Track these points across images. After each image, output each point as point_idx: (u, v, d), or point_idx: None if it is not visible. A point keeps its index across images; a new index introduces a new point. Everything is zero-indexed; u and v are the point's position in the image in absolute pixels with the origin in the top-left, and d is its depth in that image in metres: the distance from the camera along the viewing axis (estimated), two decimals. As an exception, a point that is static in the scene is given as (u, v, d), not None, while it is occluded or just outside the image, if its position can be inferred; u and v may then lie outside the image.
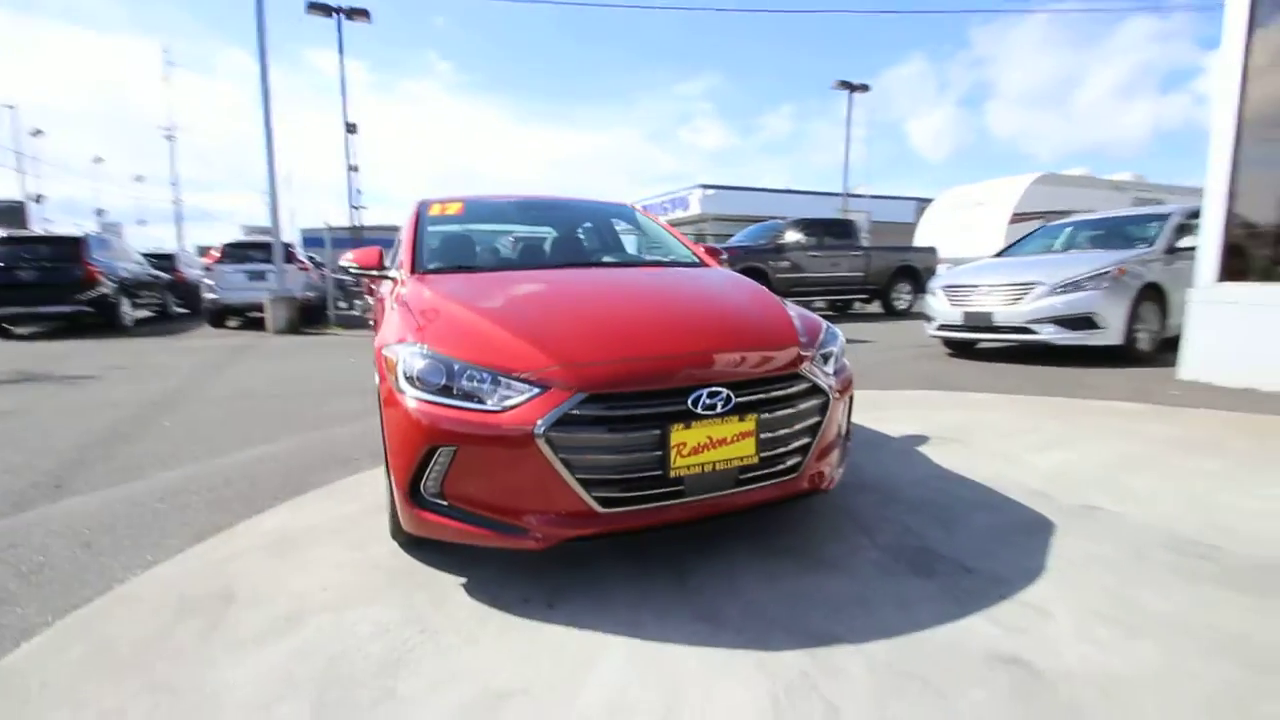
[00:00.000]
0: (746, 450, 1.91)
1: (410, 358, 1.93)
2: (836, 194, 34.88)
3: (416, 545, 2.21)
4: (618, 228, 3.48)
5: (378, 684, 1.53)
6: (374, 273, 2.89)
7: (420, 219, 3.08)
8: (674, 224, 32.29)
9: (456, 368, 1.86)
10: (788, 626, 1.73)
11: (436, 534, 1.92)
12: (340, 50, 14.58)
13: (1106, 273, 5.63)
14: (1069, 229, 7.70)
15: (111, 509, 2.71)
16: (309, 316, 10.74)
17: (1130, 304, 5.64)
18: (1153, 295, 5.82)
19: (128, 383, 5.94)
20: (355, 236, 15.49)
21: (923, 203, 35.31)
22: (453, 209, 3.23)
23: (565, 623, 1.78)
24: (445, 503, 1.85)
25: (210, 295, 10.47)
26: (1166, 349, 6.01)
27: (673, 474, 1.81)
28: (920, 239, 16.09)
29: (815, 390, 2.06)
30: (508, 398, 1.79)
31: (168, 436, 3.88)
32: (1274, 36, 4.52)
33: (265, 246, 10.90)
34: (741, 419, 1.88)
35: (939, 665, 1.55)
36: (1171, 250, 6.07)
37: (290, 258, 10.45)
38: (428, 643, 1.70)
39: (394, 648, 1.68)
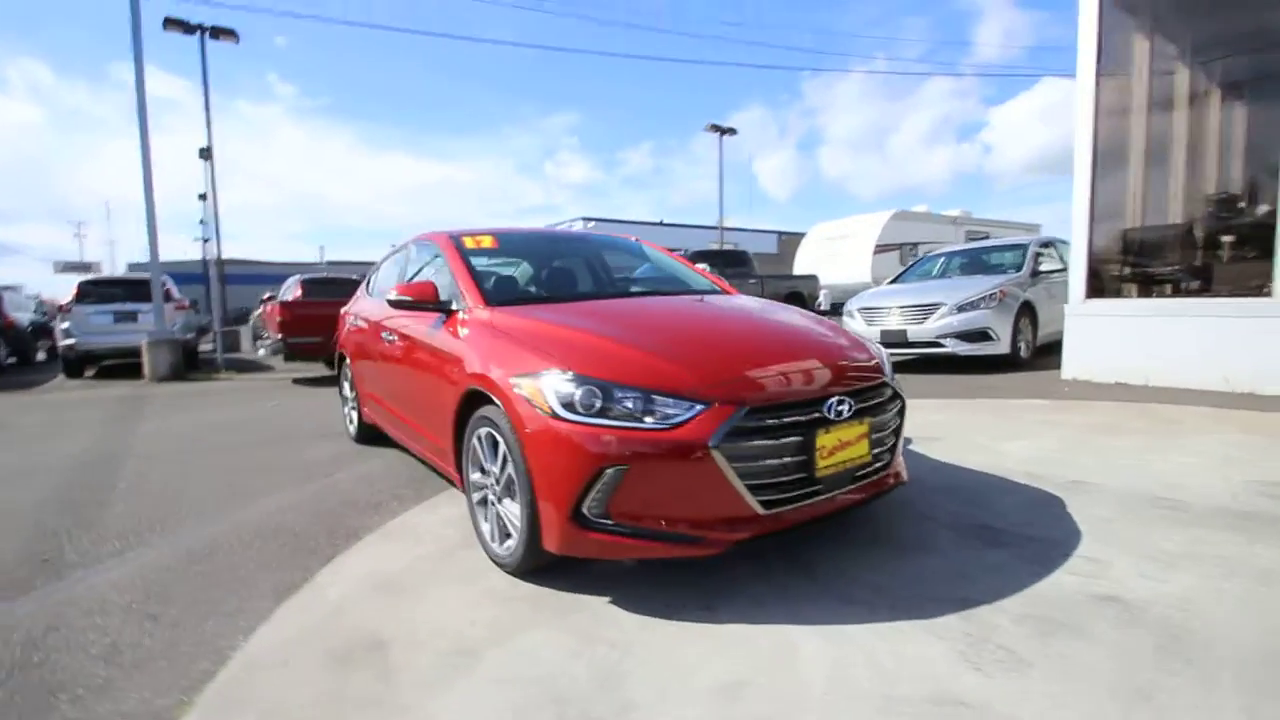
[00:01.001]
0: (863, 450, 2.18)
1: (561, 384, 2.00)
2: (708, 227, 37.09)
3: (534, 573, 2.23)
4: (634, 258, 3.69)
5: (610, 697, 1.59)
6: (430, 306, 2.84)
7: (461, 251, 3.08)
8: (558, 257, 32.38)
9: (615, 391, 1.96)
10: (925, 598, 2.00)
11: (603, 553, 1.99)
12: (204, 72, 13.37)
13: (994, 294, 6.68)
14: (943, 258, 8.95)
15: (146, 578, 2.41)
16: (189, 361, 9.60)
17: (1013, 319, 6.73)
18: (1027, 312, 6.97)
19: (33, 442, 5.07)
20: (219, 272, 14.06)
21: (782, 235, 38.75)
22: (486, 242, 3.25)
23: (735, 620, 1.92)
24: (611, 521, 1.93)
25: (67, 341, 9.00)
26: (1039, 355, 7.22)
27: (817, 474, 2.04)
28: (799, 268, 17.67)
29: (897, 396, 2.39)
30: (672, 415, 1.92)
31: (138, 497, 3.42)
32: (1118, 123, 5.75)
33: (131, 284, 9.62)
34: (860, 422, 2.16)
35: (1061, 610, 1.89)
36: (1035, 274, 7.32)
37: (167, 295, 9.31)
38: (626, 655, 1.77)
39: (598, 664, 1.73)
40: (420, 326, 3.01)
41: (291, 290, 9.81)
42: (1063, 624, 1.82)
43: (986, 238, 19.56)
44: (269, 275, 25.50)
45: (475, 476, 2.49)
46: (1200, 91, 6.71)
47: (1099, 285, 5.82)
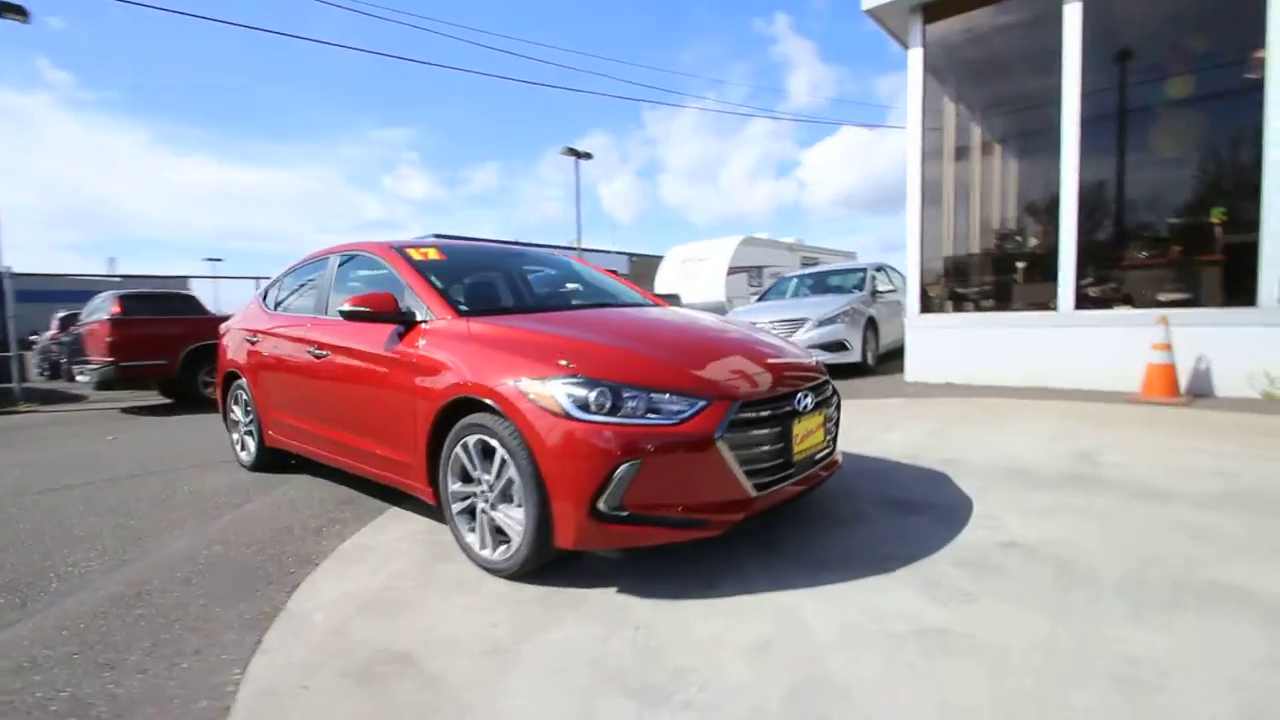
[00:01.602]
0: (820, 437, 2.55)
1: (573, 387, 2.12)
2: (565, 247, 37.69)
3: (530, 576, 2.30)
4: (569, 273, 3.82)
5: (659, 666, 1.74)
6: (389, 318, 2.74)
7: (413, 264, 3.02)
8: (407, 273, 30.80)
9: (623, 392, 2.12)
10: (882, 556, 2.38)
11: (617, 543, 2.13)
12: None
13: (847, 310, 7.67)
14: (795, 280, 10.04)
15: (74, 629, 2.09)
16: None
17: (862, 331, 7.76)
18: (871, 325, 8.07)
19: None
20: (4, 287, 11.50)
21: (633, 257, 40.31)
22: (432, 254, 3.19)
23: (737, 594, 2.15)
24: (625, 513, 2.08)
25: None
26: (881, 362, 8.37)
27: (794, 459, 2.35)
28: (660, 287, 18.54)
29: (834, 391, 2.80)
30: (678, 412, 2.12)
31: (12, 546, 2.85)
32: (934, 169, 6.94)
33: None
34: (819, 413, 2.52)
35: (981, 555, 2.36)
36: (875, 294, 8.50)
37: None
38: (654, 633, 1.92)
39: (633, 643, 1.87)
40: (369, 339, 2.89)
41: (107, 307, 8.46)
42: (986, 565, 2.28)
43: (817, 262, 22.02)
44: (52, 292, 21.41)
45: (456, 487, 2.49)
46: (986, 144, 8.31)
47: (928, 303, 6.95)
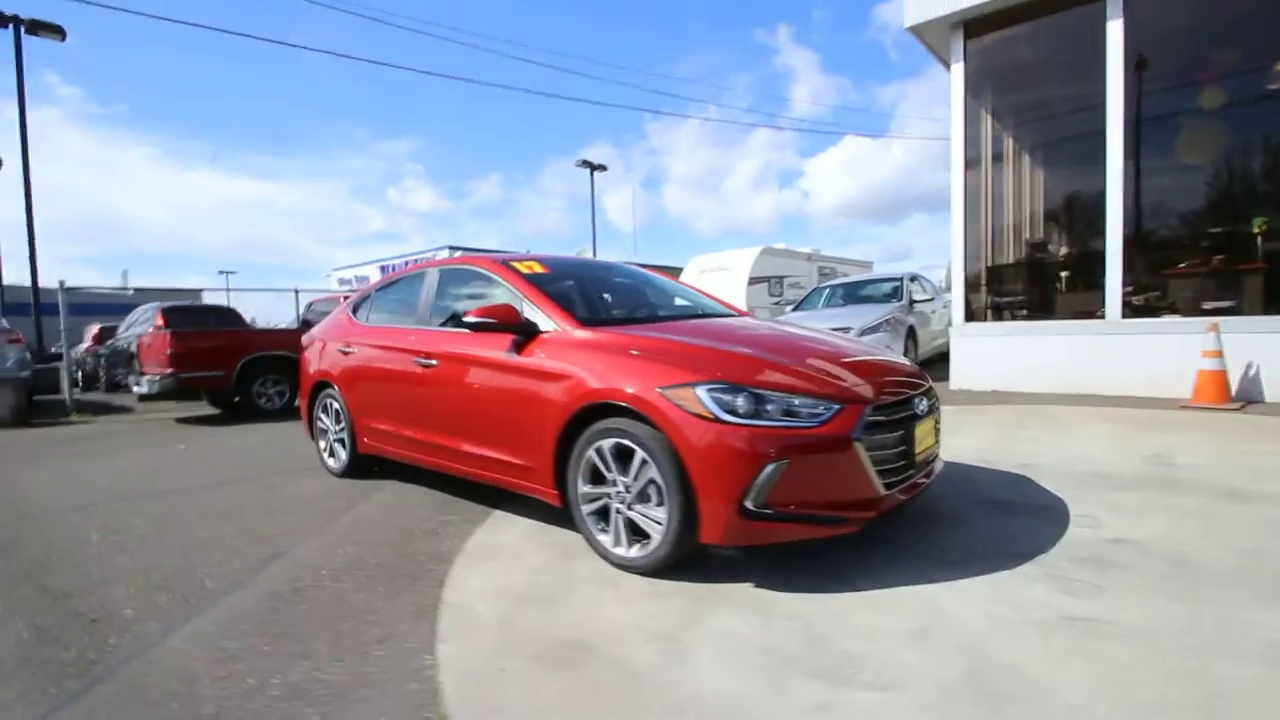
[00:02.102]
0: (933, 440, 2.68)
1: (719, 392, 2.26)
2: (562, 256, 37.89)
3: (662, 573, 2.42)
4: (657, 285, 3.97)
5: (828, 650, 1.86)
6: (510, 328, 2.90)
7: (525, 276, 3.18)
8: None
9: (766, 396, 2.26)
10: (1000, 553, 2.49)
11: (761, 540, 2.25)
12: (19, 71, 11.38)
13: (889, 319, 7.81)
14: (827, 291, 10.18)
15: (246, 626, 2.22)
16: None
17: (904, 340, 7.90)
18: (910, 334, 8.21)
19: None
20: (63, 299, 11.80)
21: (644, 268, 40.64)
22: (537, 267, 3.35)
23: (875, 588, 2.26)
24: (771, 510, 2.21)
25: None
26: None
27: (915, 460, 2.48)
28: (678, 298, 18.72)
29: (937, 398, 2.93)
30: (815, 415, 2.25)
31: (143, 550, 2.98)
32: (975, 179, 7.10)
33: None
34: (931, 417, 2.65)
35: (1096, 552, 2.48)
36: (912, 303, 8.64)
37: (-7, 327, 7.73)
38: (811, 623, 2.04)
39: (794, 632, 1.99)
40: (486, 348, 3.04)
41: (152, 320, 8.68)
42: (1104, 561, 2.40)
43: (834, 272, 22.16)
44: (75, 306, 21.68)
45: (587, 489, 2.62)
46: (1019, 154, 8.46)
47: (972, 312, 7.09)
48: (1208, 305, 6.09)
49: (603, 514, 2.61)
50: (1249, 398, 5.43)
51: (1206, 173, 6.80)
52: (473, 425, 3.12)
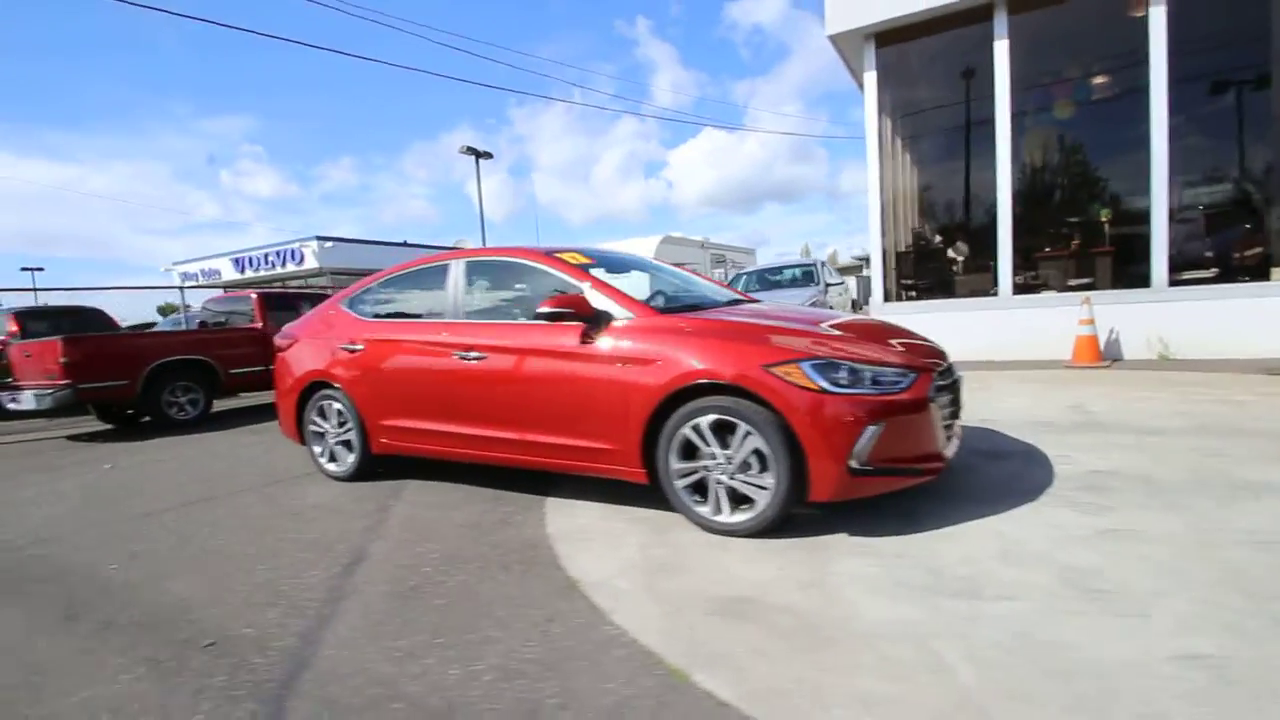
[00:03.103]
0: (960, 403, 3.15)
1: (821, 366, 2.55)
2: (446, 247, 36.53)
3: (762, 534, 2.68)
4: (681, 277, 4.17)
5: (946, 573, 2.23)
6: (583, 318, 2.97)
7: (577, 267, 3.25)
8: (288, 278, 28.51)
9: (857, 368, 2.58)
10: (1016, 490, 3.02)
11: (863, 493, 2.58)
12: None
13: (813, 303, 8.53)
14: (745, 276, 10.86)
15: (398, 623, 2.18)
16: None
17: (826, 320, 8.68)
18: (829, 314, 9.01)
19: None
20: None
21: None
22: (584, 259, 3.42)
23: (940, 525, 2.67)
24: (871, 467, 2.54)
25: None
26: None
27: (957, 421, 2.93)
28: (580, 286, 18.84)
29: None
30: (898, 382, 2.62)
31: (204, 559, 2.70)
32: (888, 186, 7.93)
33: None
34: (959, 383, 3.12)
35: (1090, 481, 3.08)
36: (827, 287, 9.47)
37: None
38: (916, 561, 2.40)
39: (906, 566, 2.34)
40: (552, 339, 3.09)
41: (3, 326, 7.42)
42: (1097, 487, 3.00)
43: (724, 259, 23.34)
44: None
45: (680, 465, 2.81)
46: (913, 153, 9.54)
47: (888, 292, 7.97)
48: (1072, 283, 7.35)
49: (696, 487, 2.81)
50: (1114, 356, 6.67)
51: (1064, 169, 8.12)
52: (538, 415, 3.17)
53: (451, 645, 2.03)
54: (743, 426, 2.63)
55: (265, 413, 7.85)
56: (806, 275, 9.78)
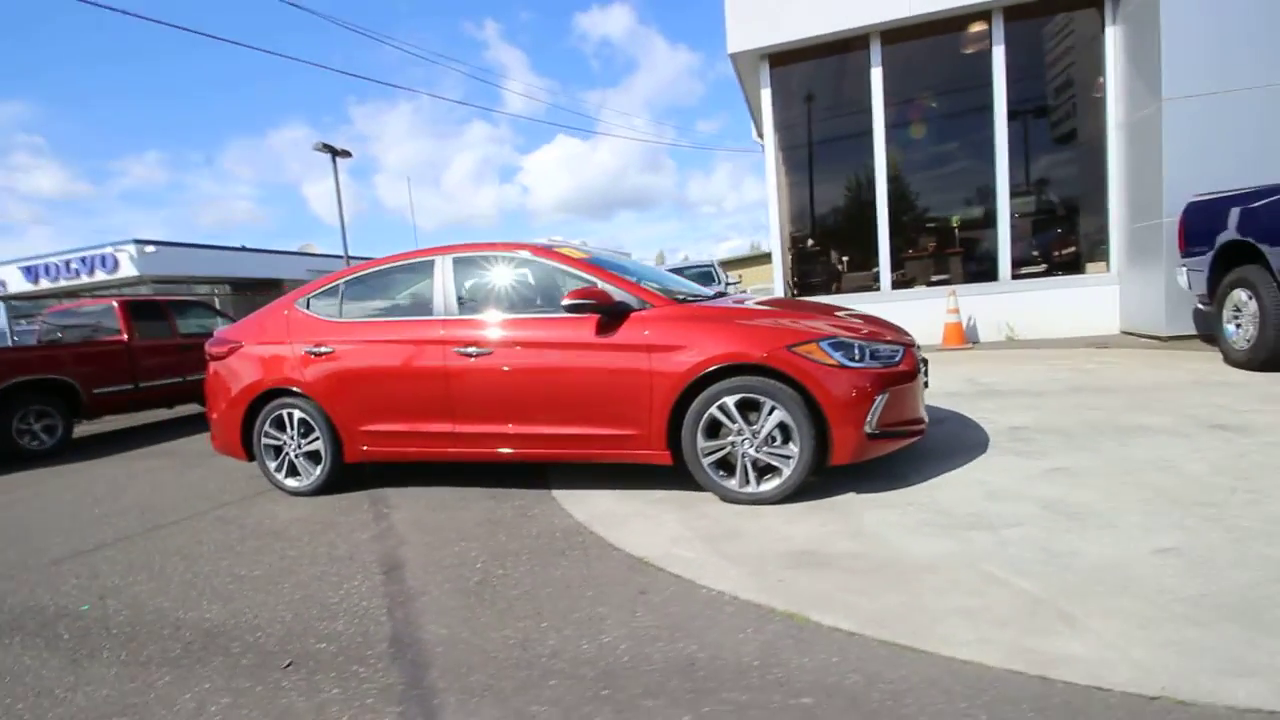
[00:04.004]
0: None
1: (838, 345, 2.88)
2: (293, 252, 33.49)
3: (786, 500, 2.97)
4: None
5: (958, 511, 2.65)
6: (606, 309, 3.05)
7: (584, 261, 3.32)
8: (97, 288, 24.72)
9: (864, 345, 2.95)
10: (964, 446, 3.58)
11: (876, 453, 2.95)
12: None
13: (719, 298, 9.09)
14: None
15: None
16: None
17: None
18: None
19: None
20: None
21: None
22: (581, 254, 3.47)
23: (922, 479, 3.13)
24: (879, 431, 2.91)
25: None
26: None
27: (929, 387, 3.42)
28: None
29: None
30: (893, 356, 3.02)
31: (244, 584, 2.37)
32: (792, 210, 8.65)
33: None
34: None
35: (1017, 434, 3.72)
36: (727, 285, 10.10)
37: None
38: (923, 507, 2.81)
39: (927, 510, 2.74)
40: (568, 331, 3.15)
41: None
42: (1025, 439, 3.64)
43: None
44: None
45: (706, 444, 3.00)
46: (813, 164, 10.46)
47: (788, 286, 8.71)
48: (933, 279, 8.53)
49: (720, 463, 3.03)
50: (973, 339, 7.86)
51: (918, 181, 9.37)
52: (556, 407, 3.20)
53: (563, 625, 2.07)
54: (768, 402, 2.89)
55: (142, 436, 6.83)
56: (705, 276, 10.38)
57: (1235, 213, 4.96)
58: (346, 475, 3.78)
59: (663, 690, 1.69)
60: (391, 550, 2.84)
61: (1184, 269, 5.62)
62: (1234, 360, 5.00)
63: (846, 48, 7.92)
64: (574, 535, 2.84)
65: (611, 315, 3.13)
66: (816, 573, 2.28)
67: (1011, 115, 7.58)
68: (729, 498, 3.02)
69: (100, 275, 24.20)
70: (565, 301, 3.05)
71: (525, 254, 3.45)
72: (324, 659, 1.99)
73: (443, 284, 3.51)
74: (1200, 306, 5.64)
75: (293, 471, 3.77)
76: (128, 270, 24.26)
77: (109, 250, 24.15)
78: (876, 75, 7.83)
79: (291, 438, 3.72)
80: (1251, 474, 2.80)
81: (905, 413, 3.04)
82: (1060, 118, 8.06)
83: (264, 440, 3.78)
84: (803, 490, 3.01)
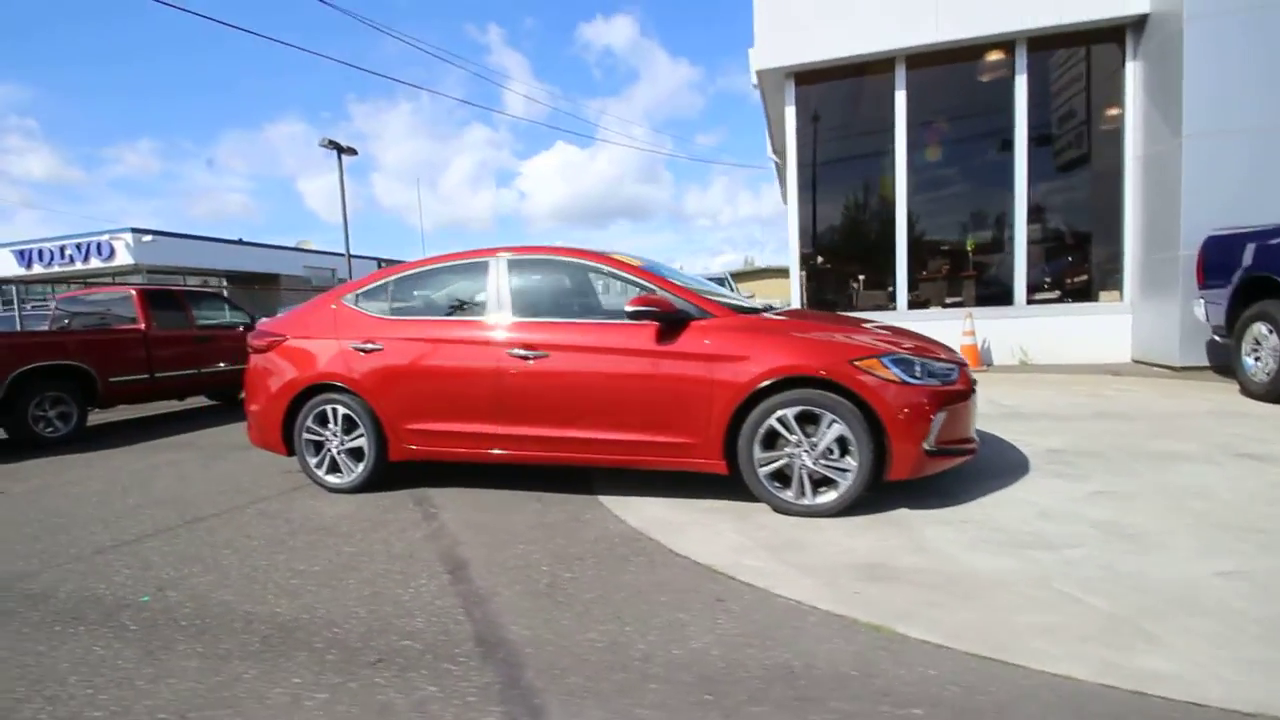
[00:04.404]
0: (961, 393, 3.72)
1: (899, 362, 2.92)
2: (290, 248, 33.34)
3: (843, 513, 3.00)
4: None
5: (1021, 534, 2.70)
6: (669, 317, 3.08)
7: (642, 269, 3.36)
8: (91, 275, 24.47)
9: (925, 363, 2.99)
10: (1004, 468, 3.63)
11: (932, 470, 2.99)
12: None
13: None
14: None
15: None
16: None
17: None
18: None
19: None
20: None
21: (382, 263, 37.58)
22: (638, 261, 3.51)
23: (975, 497, 3.18)
24: (936, 449, 2.95)
25: None
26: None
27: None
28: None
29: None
30: (949, 374, 3.07)
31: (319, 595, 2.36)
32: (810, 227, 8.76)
33: None
34: (962, 377, 3.69)
35: (1055, 457, 3.78)
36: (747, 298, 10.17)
37: None
38: (981, 525, 2.86)
39: (984, 528, 2.78)
40: (629, 338, 3.17)
41: None
42: (1063, 462, 3.70)
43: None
44: None
45: (762, 455, 3.03)
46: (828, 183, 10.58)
47: (804, 303, 8.79)
48: (947, 300, 8.64)
49: (776, 475, 3.05)
50: (987, 361, 7.97)
51: (938, 202, 9.51)
52: (614, 412, 3.22)
53: (646, 630, 2.08)
54: (827, 415, 2.93)
55: (155, 429, 6.76)
56: (719, 285, 10.46)
57: (1257, 248, 5.09)
58: (386, 474, 3.77)
59: (766, 697, 1.71)
60: (450, 550, 2.84)
61: (1202, 301, 5.74)
62: (1252, 392, 5.11)
63: (870, 70, 8.06)
64: (633, 541, 2.85)
65: (673, 323, 3.16)
66: (889, 586, 2.30)
67: (1037, 141, 7.73)
68: (784, 509, 3.05)
69: (95, 262, 23.94)
70: (629, 308, 3.08)
71: (580, 260, 3.48)
72: (411, 656, 1.99)
73: (497, 285, 3.53)
74: (1216, 339, 5.77)
75: (333, 468, 3.76)
76: (124, 258, 24.00)
77: (105, 238, 23.89)
78: (900, 98, 7.96)
79: (335, 434, 3.71)
80: (1297, 503, 2.88)
81: (960, 431, 3.08)
82: (1074, 146, 8.23)
83: (305, 436, 3.77)
84: (855, 505, 3.05)
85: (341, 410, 3.67)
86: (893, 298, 8.41)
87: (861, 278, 9.13)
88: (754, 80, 8.75)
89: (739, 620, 2.12)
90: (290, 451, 3.84)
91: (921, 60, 7.88)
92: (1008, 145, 7.78)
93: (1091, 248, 8.25)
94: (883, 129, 8.18)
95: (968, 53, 7.81)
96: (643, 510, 3.25)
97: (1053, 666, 1.78)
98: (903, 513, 3.02)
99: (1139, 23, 6.99)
